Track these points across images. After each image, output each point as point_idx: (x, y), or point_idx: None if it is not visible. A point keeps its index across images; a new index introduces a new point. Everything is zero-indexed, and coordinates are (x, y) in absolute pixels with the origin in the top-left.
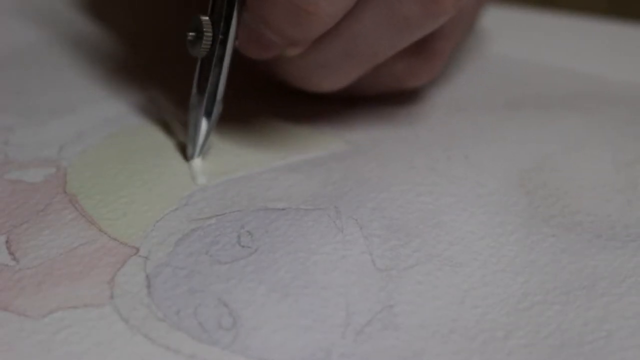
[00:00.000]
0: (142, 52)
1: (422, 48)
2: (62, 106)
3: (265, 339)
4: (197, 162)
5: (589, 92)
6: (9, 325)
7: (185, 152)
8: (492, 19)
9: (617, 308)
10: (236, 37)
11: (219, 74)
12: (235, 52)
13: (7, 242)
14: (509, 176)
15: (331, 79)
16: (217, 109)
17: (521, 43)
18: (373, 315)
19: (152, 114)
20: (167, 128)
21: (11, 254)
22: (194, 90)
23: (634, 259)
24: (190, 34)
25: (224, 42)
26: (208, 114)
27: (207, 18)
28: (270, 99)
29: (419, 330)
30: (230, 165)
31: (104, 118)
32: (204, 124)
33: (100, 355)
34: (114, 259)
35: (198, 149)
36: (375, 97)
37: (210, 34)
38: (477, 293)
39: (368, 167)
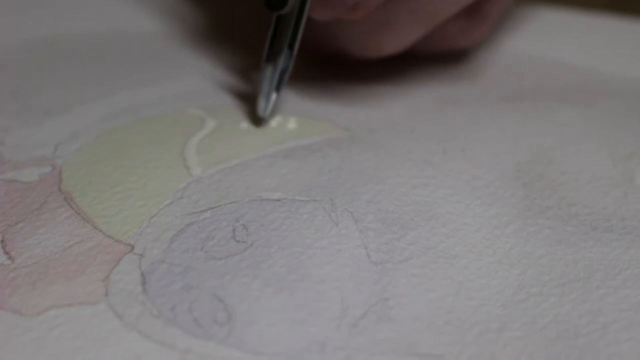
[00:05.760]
0: (139, 50)
1: (473, 10)
2: (57, 105)
3: (260, 333)
4: (191, 152)
5: (586, 85)
6: (4, 323)
7: (254, 111)
8: None
9: (612, 300)
10: None
11: (297, 30)
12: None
13: (2, 241)
14: (505, 168)
15: (392, 40)
16: (292, 64)
17: (519, 37)
18: (368, 308)
19: (149, 110)
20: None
21: (6, 252)
22: (267, 45)
23: (630, 251)
24: None
25: (303, 1)
26: (281, 71)
27: None
28: None
29: (413, 323)
30: (225, 153)
31: (99, 116)
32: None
33: (95, 352)
34: (109, 257)
35: (272, 103)
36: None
37: None
38: (472, 285)
39: (364, 157)
